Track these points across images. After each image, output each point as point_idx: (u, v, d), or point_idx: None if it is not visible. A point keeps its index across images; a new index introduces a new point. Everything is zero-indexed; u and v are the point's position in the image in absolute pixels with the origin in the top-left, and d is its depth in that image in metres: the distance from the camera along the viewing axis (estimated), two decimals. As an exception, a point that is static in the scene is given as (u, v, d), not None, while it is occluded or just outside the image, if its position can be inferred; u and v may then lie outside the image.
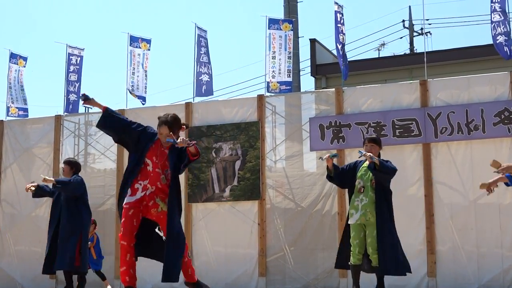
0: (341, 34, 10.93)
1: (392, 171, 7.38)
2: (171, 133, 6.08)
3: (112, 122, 6.24)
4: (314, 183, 10.47)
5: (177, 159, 6.15)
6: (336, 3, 10.91)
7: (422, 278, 9.63)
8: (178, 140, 6.01)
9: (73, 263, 8.62)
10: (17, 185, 12.12)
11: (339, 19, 10.92)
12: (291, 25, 11.36)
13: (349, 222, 7.57)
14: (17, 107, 12.63)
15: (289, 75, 11.18)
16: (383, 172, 7.31)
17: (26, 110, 12.69)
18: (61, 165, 11.85)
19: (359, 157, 7.56)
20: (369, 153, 7.31)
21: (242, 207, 10.77)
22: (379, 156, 7.49)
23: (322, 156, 7.67)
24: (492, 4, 9.99)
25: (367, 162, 7.40)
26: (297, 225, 10.45)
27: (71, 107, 12.26)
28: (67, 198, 8.74)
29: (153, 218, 6.22)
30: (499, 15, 9.90)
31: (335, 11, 10.94)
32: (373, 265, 7.43)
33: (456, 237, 9.63)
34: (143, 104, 11.86)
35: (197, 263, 10.70)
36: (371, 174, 7.43)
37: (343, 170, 7.73)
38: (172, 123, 6.12)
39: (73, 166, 9.01)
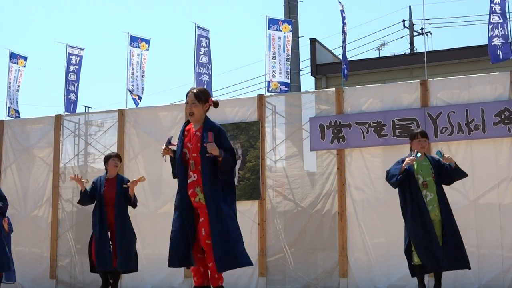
0: (344, 34, 10.95)
1: (464, 174, 7.43)
2: (210, 132, 5.65)
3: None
4: (314, 183, 10.47)
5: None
6: (340, 2, 10.92)
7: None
8: (209, 142, 5.60)
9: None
10: (17, 185, 12.12)
11: (344, 19, 10.94)
12: (290, 26, 11.35)
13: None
14: (13, 108, 12.63)
15: (287, 76, 11.18)
16: (459, 173, 7.37)
17: (17, 111, 12.66)
18: (66, 164, 11.88)
19: (437, 157, 7.41)
20: (449, 156, 7.35)
21: (242, 207, 10.72)
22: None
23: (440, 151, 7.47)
24: (492, 6, 9.98)
25: (414, 158, 7.26)
26: (297, 225, 10.45)
27: (72, 107, 12.25)
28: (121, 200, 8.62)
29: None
30: (499, 17, 9.89)
31: (340, 10, 10.95)
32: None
33: (456, 237, 9.61)
34: (136, 104, 11.83)
35: (197, 263, 10.70)
36: (430, 169, 7.34)
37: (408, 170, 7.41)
38: (198, 93, 5.81)
39: None
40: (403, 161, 7.37)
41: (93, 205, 8.71)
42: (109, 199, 8.52)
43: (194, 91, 5.85)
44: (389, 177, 7.46)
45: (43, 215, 11.84)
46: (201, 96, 5.82)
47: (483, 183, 9.59)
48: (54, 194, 11.78)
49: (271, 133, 10.88)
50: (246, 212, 10.66)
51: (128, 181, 8.58)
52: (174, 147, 5.90)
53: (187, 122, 5.99)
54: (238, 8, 55.37)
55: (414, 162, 7.30)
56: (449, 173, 7.36)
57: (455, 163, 7.40)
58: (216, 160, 5.70)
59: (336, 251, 10.16)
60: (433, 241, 7.16)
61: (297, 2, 16.94)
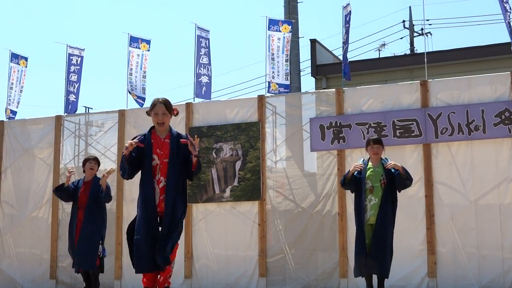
0: (345, 34, 10.95)
1: (405, 184, 7.64)
2: (187, 134, 6.15)
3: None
4: (315, 183, 10.47)
5: (177, 149, 6.09)
6: (345, 6, 10.92)
7: (423, 278, 9.63)
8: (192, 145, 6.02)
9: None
10: (17, 186, 12.12)
11: (347, 19, 10.94)
12: (290, 27, 11.35)
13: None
14: (9, 109, 12.62)
15: (287, 78, 11.18)
16: (407, 179, 7.57)
17: (14, 113, 12.64)
18: (66, 165, 11.88)
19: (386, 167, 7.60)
20: (393, 163, 7.54)
21: (242, 207, 10.76)
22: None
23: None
24: (504, 5, 9.95)
25: (372, 164, 7.59)
26: (298, 226, 10.45)
27: (70, 107, 12.24)
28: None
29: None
30: None
31: (345, 14, 10.94)
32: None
33: (456, 237, 9.63)
34: (141, 105, 11.84)
35: (197, 264, 10.70)
36: (381, 175, 7.52)
37: (356, 176, 7.68)
38: (167, 103, 6.12)
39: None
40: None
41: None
42: (82, 202, 8.64)
43: (163, 101, 6.13)
44: (342, 178, 7.87)
45: (43, 215, 11.84)
46: (170, 107, 6.17)
47: (483, 184, 9.59)
48: (54, 195, 11.76)
49: (272, 134, 10.87)
50: (246, 213, 10.67)
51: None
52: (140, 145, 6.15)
53: (151, 129, 6.23)
54: (238, 9, 55.39)
55: (361, 168, 7.58)
56: (398, 178, 7.55)
57: (402, 169, 7.55)
58: (180, 166, 6.09)
59: (336, 251, 10.16)
60: (361, 246, 7.44)
61: (297, 2, 16.92)
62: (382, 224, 7.44)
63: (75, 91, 12.32)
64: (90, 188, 8.65)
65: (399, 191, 7.74)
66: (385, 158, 7.78)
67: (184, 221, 6.36)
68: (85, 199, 8.62)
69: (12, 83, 12.68)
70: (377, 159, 7.65)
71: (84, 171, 8.86)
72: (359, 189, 7.60)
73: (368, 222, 7.49)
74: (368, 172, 7.59)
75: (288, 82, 11.21)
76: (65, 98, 12.25)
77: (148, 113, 6.22)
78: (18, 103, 12.69)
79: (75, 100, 12.31)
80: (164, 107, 6.08)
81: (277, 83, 11.07)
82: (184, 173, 6.14)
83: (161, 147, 6.13)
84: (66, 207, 11.72)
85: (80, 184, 8.75)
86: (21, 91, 12.74)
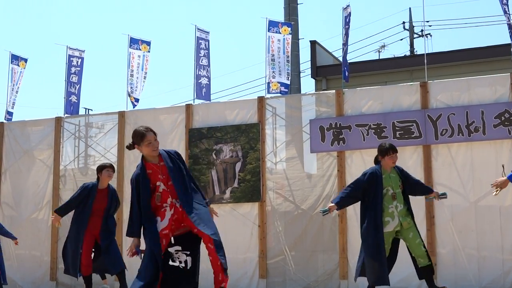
0: (345, 36, 10.96)
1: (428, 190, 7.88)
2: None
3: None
4: (315, 185, 10.47)
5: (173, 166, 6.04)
6: (345, 7, 10.92)
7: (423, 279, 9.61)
8: None
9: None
10: (17, 187, 12.12)
11: (347, 21, 10.95)
12: (290, 29, 11.36)
13: (386, 230, 7.29)
14: (7, 110, 12.63)
15: (288, 78, 11.19)
16: (425, 189, 7.83)
17: (11, 114, 12.64)
18: (66, 166, 11.87)
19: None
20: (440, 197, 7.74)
21: (242, 209, 10.76)
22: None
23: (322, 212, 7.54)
24: (503, 6, 9.96)
25: (385, 170, 7.48)
26: (298, 227, 10.45)
27: (72, 108, 12.24)
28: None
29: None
30: None
31: (345, 16, 10.94)
32: (424, 264, 7.36)
33: (456, 239, 9.63)
34: (134, 106, 11.83)
35: (198, 265, 10.69)
36: (399, 181, 7.45)
37: (352, 193, 7.47)
38: (152, 129, 6.02)
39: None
40: (370, 173, 7.42)
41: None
42: (97, 210, 8.55)
43: (149, 129, 5.97)
44: (342, 192, 7.64)
45: (43, 217, 11.83)
46: (154, 131, 6.05)
47: (483, 185, 9.58)
48: (54, 197, 11.78)
49: (271, 135, 10.88)
50: (246, 214, 10.67)
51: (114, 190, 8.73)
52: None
53: (142, 163, 6.04)
54: (238, 10, 55.44)
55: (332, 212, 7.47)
56: (414, 187, 7.55)
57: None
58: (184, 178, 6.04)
59: (336, 253, 10.16)
60: (381, 254, 7.22)
61: (297, 4, 16.95)
62: (414, 228, 7.38)
63: (76, 92, 12.32)
64: (108, 196, 8.58)
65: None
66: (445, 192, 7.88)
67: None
68: (103, 206, 8.53)
69: (14, 84, 12.68)
70: (392, 166, 7.54)
71: (98, 178, 8.68)
72: (376, 197, 7.31)
73: (396, 229, 7.33)
74: (385, 179, 7.41)
75: (288, 82, 11.22)
76: (65, 100, 12.25)
77: (133, 146, 6.00)
78: (13, 104, 12.66)
79: (76, 101, 12.31)
80: (153, 133, 5.96)
81: (278, 82, 11.06)
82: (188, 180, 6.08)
83: (161, 172, 6.00)
84: (66, 209, 11.72)
85: (93, 191, 8.56)
86: (17, 92, 12.74)
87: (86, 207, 8.54)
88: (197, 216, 5.92)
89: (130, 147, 6.03)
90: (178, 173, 6.01)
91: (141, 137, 5.91)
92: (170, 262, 5.95)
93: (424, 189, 7.76)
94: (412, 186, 7.54)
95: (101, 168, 8.67)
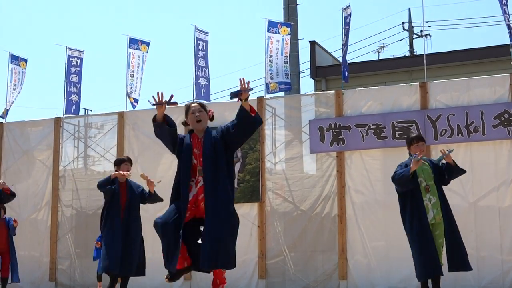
0: (345, 36, 10.96)
1: (462, 170, 7.39)
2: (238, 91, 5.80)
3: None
4: (314, 185, 10.47)
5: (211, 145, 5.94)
6: (345, 8, 10.92)
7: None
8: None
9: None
10: (17, 188, 12.08)
11: (347, 21, 10.94)
12: (289, 29, 11.36)
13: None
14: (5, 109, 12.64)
15: (287, 77, 11.18)
16: (459, 170, 7.33)
17: (7, 112, 12.63)
18: (66, 167, 11.86)
19: (441, 160, 7.33)
20: (447, 151, 7.23)
21: (241, 209, 10.73)
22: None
23: (448, 149, 7.30)
24: (503, 7, 9.96)
25: (416, 162, 7.09)
26: (297, 228, 10.44)
27: (74, 108, 12.23)
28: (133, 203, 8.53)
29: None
30: None
31: (345, 16, 10.94)
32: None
33: (456, 239, 9.61)
34: (134, 107, 11.83)
35: (197, 265, 10.68)
36: (431, 173, 7.26)
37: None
38: (201, 103, 6.16)
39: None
40: (406, 165, 7.23)
41: (96, 208, 8.59)
42: (122, 203, 8.40)
43: (197, 102, 6.11)
44: (397, 174, 7.26)
45: (42, 218, 11.83)
46: (205, 106, 6.09)
47: (482, 186, 9.58)
48: (53, 197, 11.77)
49: (271, 136, 10.88)
50: (245, 215, 10.66)
51: (138, 186, 8.58)
52: (174, 105, 6.08)
53: (190, 133, 6.08)
54: (238, 11, 55.44)
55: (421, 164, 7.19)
56: (446, 171, 7.28)
57: (453, 161, 7.33)
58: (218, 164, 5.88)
59: (335, 253, 10.16)
60: (430, 247, 7.10)
61: (297, 4, 16.94)
62: (450, 220, 7.22)
63: (77, 92, 12.32)
64: (126, 190, 8.42)
65: (448, 182, 7.43)
66: (450, 148, 7.44)
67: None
68: (124, 200, 8.38)
69: (15, 84, 12.68)
70: (421, 155, 7.24)
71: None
72: (414, 190, 7.18)
73: (431, 222, 7.19)
74: (418, 171, 7.21)
75: (288, 80, 11.20)
76: (65, 100, 12.24)
77: (184, 121, 6.12)
78: (11, 104, 12.65)
79: (77, 100, 12.32)
80: (199, 105, 6.03)
81: (276, 82, 11.05)
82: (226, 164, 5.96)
83: (198, 147, 5.99)
84: (65, 210, 11.72)
85: (116, 183, 8.42)
86: (19, 92, 12.74)
87: (116, 197, 8.36)
88: (209, 222, 5.93)
89: (185, 123, 6.15)
90: (212, 154, 5.90)
91: (186, 109, 6.06)
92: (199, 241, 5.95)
93: (454, 169, 7.35)
94: (442, 172, 7.31)
95: (119, 162, 8.57)
